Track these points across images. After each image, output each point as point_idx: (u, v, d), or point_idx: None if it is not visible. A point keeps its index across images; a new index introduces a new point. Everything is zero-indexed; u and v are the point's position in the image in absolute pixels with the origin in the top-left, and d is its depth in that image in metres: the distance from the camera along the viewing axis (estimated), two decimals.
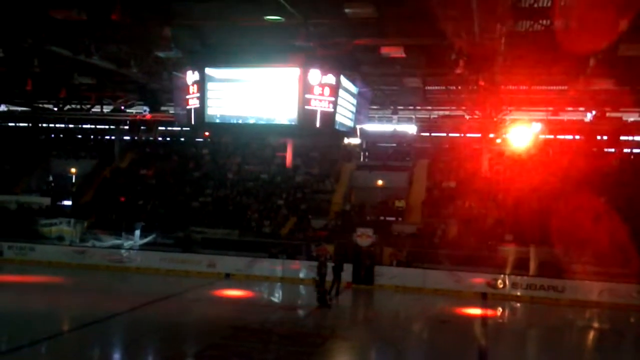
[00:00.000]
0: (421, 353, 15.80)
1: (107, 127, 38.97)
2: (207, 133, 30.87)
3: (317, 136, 23.58)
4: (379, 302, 23.24)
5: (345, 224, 27.92)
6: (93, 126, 39.74)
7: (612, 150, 31.30)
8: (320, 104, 16.81)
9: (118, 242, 27.52)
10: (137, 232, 27.75)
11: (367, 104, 21.67)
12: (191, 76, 18.13)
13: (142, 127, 34.89)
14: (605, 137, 29.63)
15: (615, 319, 20.88)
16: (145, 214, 30.10)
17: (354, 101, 18.99)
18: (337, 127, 17.62)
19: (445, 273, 23.78)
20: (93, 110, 35.41)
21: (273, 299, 23.01)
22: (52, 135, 40.91)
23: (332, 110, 17.00)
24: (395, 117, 30.75)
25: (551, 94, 26.27)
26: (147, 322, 17.15)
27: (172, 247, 27.16)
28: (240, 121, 18.03)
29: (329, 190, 32.34)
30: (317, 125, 17.01)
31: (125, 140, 38.29)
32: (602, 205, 27.16)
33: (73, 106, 35.46)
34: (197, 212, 30.73)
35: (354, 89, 18.71)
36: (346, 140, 29.93)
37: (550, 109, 28.64)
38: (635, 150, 32.01)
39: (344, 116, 18.18)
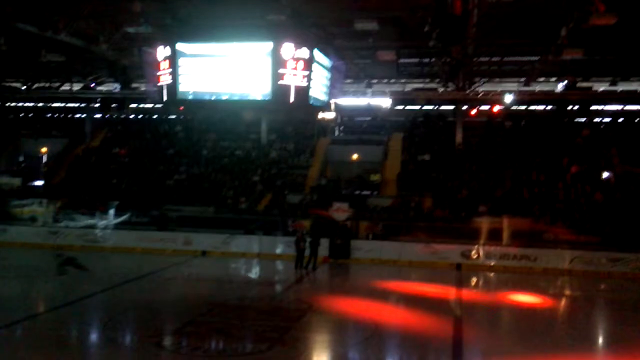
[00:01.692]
0: (398, 324, 15.97)
1: (77, 105, 38.28)
2: (180, 108, 30.57)
3: (292, 111, 23.51)
4: (355, 276, 23.43)
5: (321, 198, 27.97)
6: (63, 104, 38.98)
7: (583, 119, 31.73)
8: (294, 79, 16.63)
9: (92, 221, 27.25)
10: (112, 211, 27.50)
11: (341, 78, 21.54)
12: (162, 52, 17.79)
13: (113, 105, 34.39)
14: (576, 107, 29.94)
15: (585, 286, 21.34)
16: (119, 192, 29.80)
17: (328, 75, 18.86)
18: (311, 101, 17.51)
19: (421, 245, 24.03)
20: (62, 88, 34.80)
21: (250, 275, 23.05)
22: (21, 115, 40.10)
23: (306, 84, 16.85)
24: (369, 90, 30.72)
25: (523, 65, 26.46)
26: (124, 301, 17.07)
27: (147, 226, 27.01)
28: (213, 97, 17.80)
29: (304, 166, 32.33)
30: (291, 100, 16.87)
31: (97, 118, 37.74)
32: (574, 174, 27.68)
33: (42, 84, 34.80)
34: (172, 189, 30.52)
35: (327, 62, 18.57)
36: (321, 115, 29.89)
37: (522, 79, 28.88)
38: (605, 120, 32.46)
39: (318, 90, 18.06)
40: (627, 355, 13.29)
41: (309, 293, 19.75)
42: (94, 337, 14.31)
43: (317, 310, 16.77)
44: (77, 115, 39.02)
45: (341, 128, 35.47)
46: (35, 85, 34.68)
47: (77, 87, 34.33)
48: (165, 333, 14.08)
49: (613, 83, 28.26)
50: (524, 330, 15.15)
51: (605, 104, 31.36)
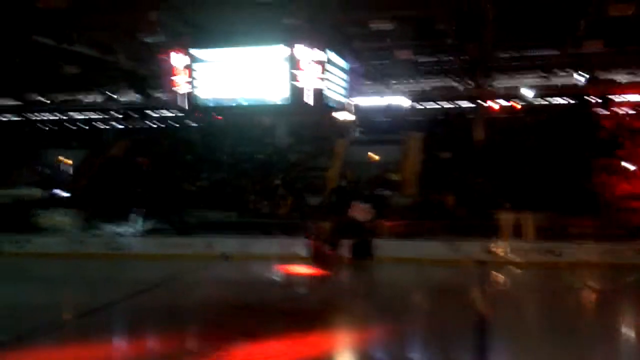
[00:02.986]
0: (422, 322, 15.91)
1: (97, 116, 38.83)
2: (199, 116, 30.86)
3: (310, 113, 23.55)
4: (378, 275, 23.33)
5: (341, 199, 27.92)
6: (83, 116, 39.56)
7: (605, 112, 31.30)
8: (310, 81, 16.73)
9: (116, 230, 27.48)
10: (135, 219, 27.72)
11: (358, 79, 21.61)
12: (179, 60, 18.01)
13: (133, 115, 34.94)
14: (598, 100, 29.63)
15: (613, 279, 21.04)
16: (141, 200, 30.04)
17: (345, 77, 18.92)
18: (328, 103, 17.58)
19: (443, 243, 23.84)
20: (82, 99, 35.35)
21: (273, 277, 23.07)
22: (42, 127, 40.68)
23: (323, 87, 16.95)
24: (387, 90, 30.71)
25: (542, 59, 26.21)
26: (148, 307, 17.16)
27: (170, 232, 27.22)
28: (231, 103, 17.99)
29: (323, 167, 32.34)
30: (309, 102, 16.96)
31: (117, 128, 38.25)
32: (597, 167, 27.38)
33: (61, 97, 35.36)
34: (194, 196, 30.73)
35: (344, 64, 18.62)
36: (339, 116, 29.90)
37: (542, 74, 28.60)
38: (628, 111, 31.96)
39: (336, 92, 18.13)
40: None
41: (331, 293, 19.74)
42: (118, 341, 14.50)
43: (340, 309, 16.77)
44: (98, 126, 39.53)
45: (360, 129, 35.42)
46: (55, 98, 35.24)
47: (98, 98, 34.86)
48: (189, 335, 14.16)
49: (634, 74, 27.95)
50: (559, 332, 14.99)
51: (627, 95, 30.90)
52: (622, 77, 28.85)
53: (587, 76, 27.68)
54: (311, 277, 21.46)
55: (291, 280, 21.41)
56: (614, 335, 14.15)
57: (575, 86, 29.06)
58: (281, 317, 15.57)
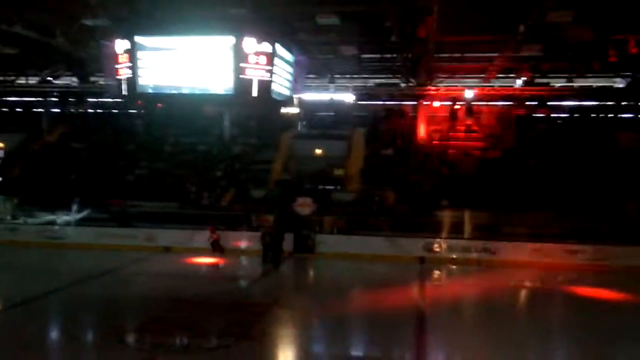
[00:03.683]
0: (361, 318, 16.09)
1: (34, 99, 37.42)
2: (140, 103, 30.14)
3: (254, 106, 23.34)
4: (320, 270, 23.50)
5: (284, 193, 27.91)
6: (19, 99, 38.07)
7: (542, 115, 32.23)
8: (256, 73, 16.59)
9: (51, 218, 26.67)
10: (73, 207, 26.93)
11: (304, 73, 21.54)
12: (121, 45, 17.52)
13: (71, 99, 33.91)
14: (534, 103, 30.49)
15: (543, 277, 21.74)
16: (78, 188, 29.21)
17: (291, 70, 18.83)
18: (274, 96, 17.47)
19: (384, 239, 24.17)
20: (18, 81, 34.01)
21: (215, 270, 22.91)
22: None
23: (268, 79, 16.82)
24: (332, 85, 30.78)
25: (483, 61, 26.79)
26: (84, 298, 16.78)
27: (108, 222, 26.57)
28: (174, 91, 17.63)
29: (267, 160, 32.20)
30: (254, 94, 16.81)
31: (54, 112, 37.00)
32: (532, 169, 28.22)
33: None
34: (133, 185, 30.08)
35: (290, 57, 18.54)
36: (284, 110, 29.79)
37: (482, 76, 29.26)
38: (562, 115, 33.01)
39: (281, 85, 18.02)
40: None
41: (274, 288, 19.75)
42: (53, 335, 14.09)
43: (281, 304, 16.78)
44: (34, 110, 38.15)
45: (304, 123, 35.42)
46: None
47: (33, 80, 33.58)
48: (127, 330, 13.91)
49: (570, 79, 28.85)
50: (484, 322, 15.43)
51: (562, 100, 31.83)
52: (557, 82, 29.75)
53: (526, 79, 28.46)
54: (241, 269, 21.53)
55: (227, 273, 21.34)
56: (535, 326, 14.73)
57: (512, 88, 29.85)
58: (222, 311, 15.51)
